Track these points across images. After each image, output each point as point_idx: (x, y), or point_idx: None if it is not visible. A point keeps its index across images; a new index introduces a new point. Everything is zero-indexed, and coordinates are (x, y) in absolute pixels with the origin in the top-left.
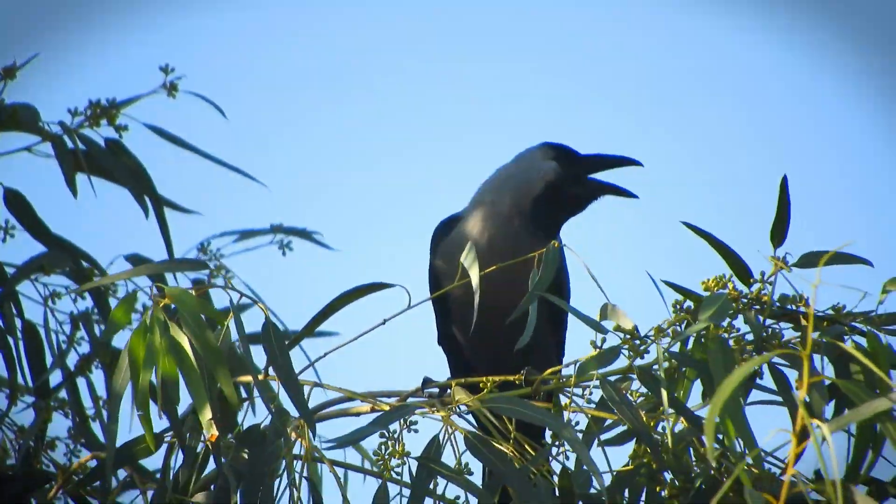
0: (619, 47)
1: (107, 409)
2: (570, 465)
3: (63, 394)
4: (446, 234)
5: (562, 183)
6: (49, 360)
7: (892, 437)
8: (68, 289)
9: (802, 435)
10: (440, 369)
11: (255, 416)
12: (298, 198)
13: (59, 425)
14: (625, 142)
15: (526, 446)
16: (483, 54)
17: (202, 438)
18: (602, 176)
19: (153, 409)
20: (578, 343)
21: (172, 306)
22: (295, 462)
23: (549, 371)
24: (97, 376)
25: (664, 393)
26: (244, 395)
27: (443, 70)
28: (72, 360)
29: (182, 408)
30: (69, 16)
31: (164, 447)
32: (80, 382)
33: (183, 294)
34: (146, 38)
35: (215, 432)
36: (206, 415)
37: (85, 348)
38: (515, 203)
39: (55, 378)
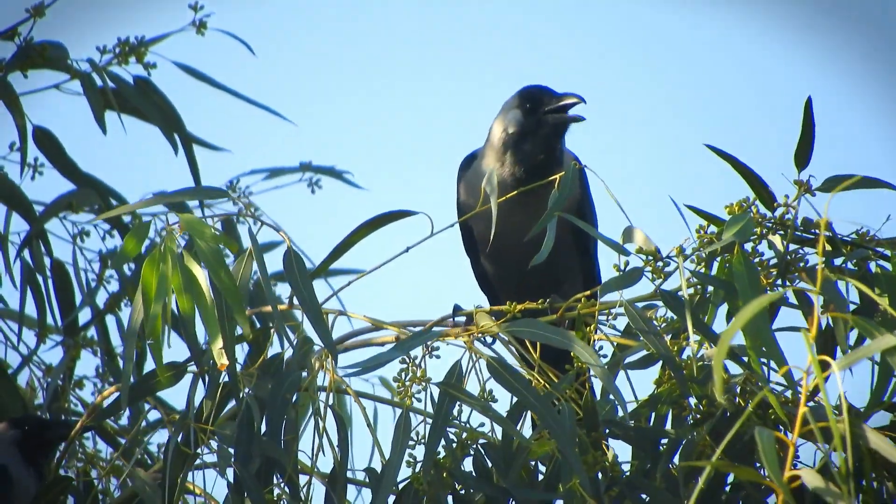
0: None
1: (124, 340)
2: (595, 393)
3: (92, 332)
4: (467, 170)
5: (524, 130)
6: (78, 298)
7: None
8: (96, 226)
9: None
10: (472, 302)
11: (281, 348)
12: (327, 137)
13: (88, 364)
14: (651, 69)
15: (551, 375)
16: None
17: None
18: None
19: (174, 340)
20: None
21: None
22: (319, 393)
23: (574, 298)
24: (126, 315)
25: (688, 314)
26: (270, 326)
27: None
28: (101, 298)
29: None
30: None
31: (189, 380)
32: (109, 321)
33: (196, 222)
34: None
35: (226, 361)
36: (217, 343)
37: (114, 287)
38: (497, 152)
39: (84, 316)
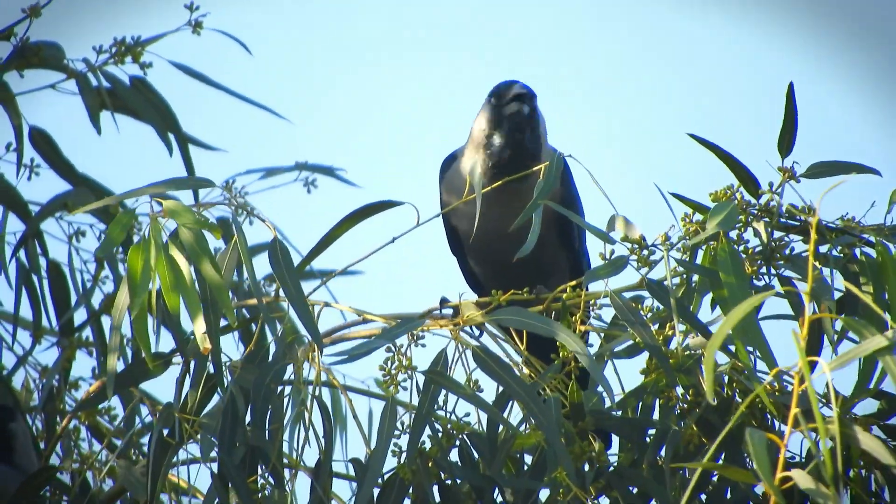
0: None
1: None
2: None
3: (87, 333)
4: (448, 170)
5: (491, 126)
6: (74, 298)
7: (893, 373)
8: (91, 226)
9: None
10: (459, 295)
11: (267, 339)
12: (324, 136)
13: (83, 365)
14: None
15: (538, 366)
16: None
17: (207, 357)
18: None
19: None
20: None
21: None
22: (306, 385)
23: (559, 288)
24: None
25: (672, 302)
26: (256, 317)
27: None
28: (96, 299)
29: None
30: None
31: (177, 373)
32: (105, 321)
33: (180, 208)
34: None
35: (209, 345)
36: (200, 327)
37: (110, 287)
38: (472, 150)
39: (80, 317)
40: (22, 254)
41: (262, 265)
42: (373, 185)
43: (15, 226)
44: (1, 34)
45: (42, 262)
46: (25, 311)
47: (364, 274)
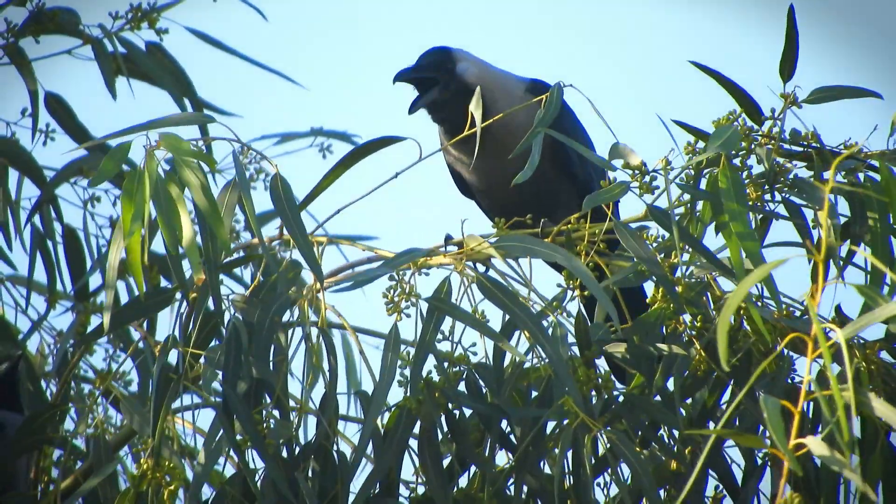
0: None
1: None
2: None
3: (102, 298)
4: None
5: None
6: (89, 264)
7: None
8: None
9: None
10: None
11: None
12: (340, 102)
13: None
14: None
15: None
16: None
17: (208, 291)
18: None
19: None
20: None
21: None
22: (310, 324)
23: (564, 221)
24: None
25: (674, 228)
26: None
27: None
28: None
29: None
30: None
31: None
32: (120, 286)
33: (175, 139)
34: None
35: (202, 276)
36: (195, 257)
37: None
38: None
39: (94, 282)
40: (37, 219)
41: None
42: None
43: (30, 191)
44: (17, 0)
45: (57, 227)
46: (40, 277)
47: (373, 215)
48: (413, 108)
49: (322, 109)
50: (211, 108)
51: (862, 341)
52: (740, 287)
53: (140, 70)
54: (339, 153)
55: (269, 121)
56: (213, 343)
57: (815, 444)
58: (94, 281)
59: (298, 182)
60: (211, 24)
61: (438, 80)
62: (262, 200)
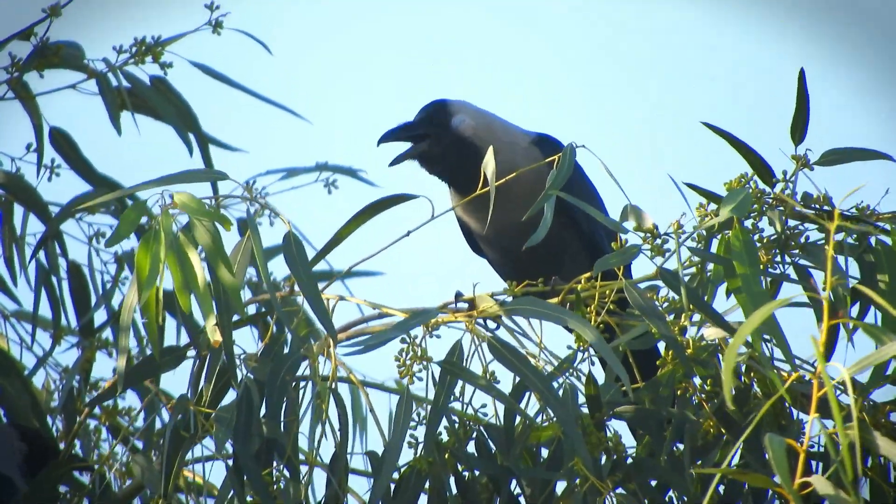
0: None
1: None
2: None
3: (107, 334)
4: None
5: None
6: (94, 299)
7: None
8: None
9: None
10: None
11: (281, 332)
12: (344, 136)
13: (104, 366)
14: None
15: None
16: None
17: (221, 350)
18: None
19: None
20: None
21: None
22: (322, 380)
23: (575, 280)
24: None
25: (683, 291)
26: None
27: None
28: (116, 299)
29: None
30: None
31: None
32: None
33: (191, 199)
34: None
35: (219, 338)
36: (211, 320)
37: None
38: None
39: (100, 318)
40: (42, 255)
41: (282, 267)
42: (393, 186)
43: (35, 227)
44: (21, 34)
45: (62, 262)
46: (45, 312)
47: (384, 275)
48: (393, 163)
49: (327, 143)
50: (216, 143)
51: (872, 403)
52: (746, 324)
53: (145, 104)
54: (345, 188)
55: (273, 154)
56: (224, 399)
57: (821, 484)
58: (100, 317)
59: (303, 217)
60: (215, 58)
61: (428, 135)
62: (267, 234)
